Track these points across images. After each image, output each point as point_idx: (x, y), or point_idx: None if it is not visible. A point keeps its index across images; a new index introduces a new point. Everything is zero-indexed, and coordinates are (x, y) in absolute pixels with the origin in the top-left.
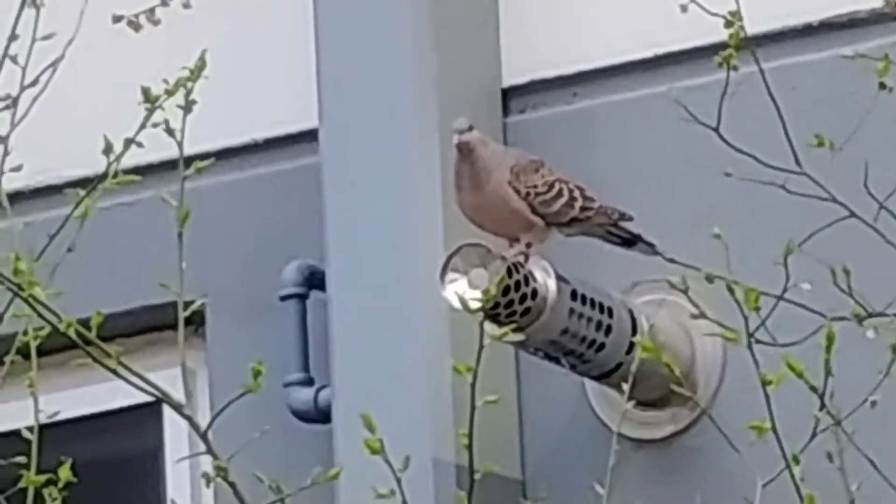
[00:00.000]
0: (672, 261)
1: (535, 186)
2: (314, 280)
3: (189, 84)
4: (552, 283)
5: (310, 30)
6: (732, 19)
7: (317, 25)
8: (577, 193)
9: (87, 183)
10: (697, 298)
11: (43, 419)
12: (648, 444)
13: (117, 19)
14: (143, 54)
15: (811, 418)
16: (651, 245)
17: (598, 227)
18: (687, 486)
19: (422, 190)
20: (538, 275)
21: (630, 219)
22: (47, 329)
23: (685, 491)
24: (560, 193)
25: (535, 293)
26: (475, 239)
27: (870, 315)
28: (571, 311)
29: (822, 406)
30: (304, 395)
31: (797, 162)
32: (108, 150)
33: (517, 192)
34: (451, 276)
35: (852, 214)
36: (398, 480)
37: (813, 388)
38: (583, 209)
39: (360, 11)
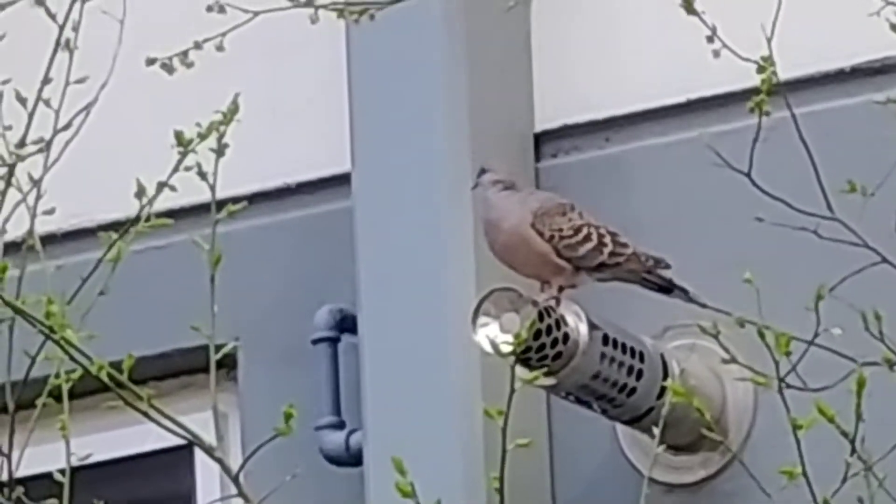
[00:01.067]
0: (704, 305)
1: (561, 230)
2: (346, 324)
3: (222, 128)
4: (584, 328)
5: (343, 74)
6: (765, 65)
7: (350, 70)
8: (607, 239)
9: (119, 226)
10: (728, 343)
11: (75, 462)
12: (679, 489)
13: (150, 62)
14: (176, 98)
15: (842, 463)
16: (686, 291)
17: (631, 273)
18: None
19: (453, 234)
20: (570, 319)
21: (667, 266)
22: (79, 372)
23: None
24: (588, 238)
25: (566, 337)
26: (507, 283)
27: None
28: (603, 355)
29: (853, 451)
30: (335, 439)
31: (829, 207)
32: (140, 193)
33: (541, 234)
34: (482, 320)
35: (884, 260)
36: None
37: (844, 433)
38: (612, 254)
39: (394, 56)
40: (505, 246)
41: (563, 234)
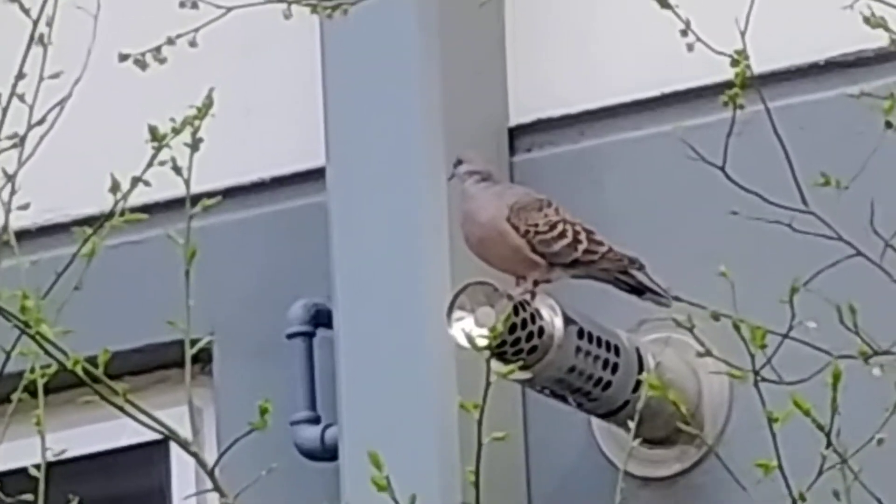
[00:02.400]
0: (678, 299)
1: (536, 225)
2: (321, 318)
3: (196, 122)
4: (559, 322)
5: (317, 69)
6: (739, 58)
7: (324, 64)
8: (582, 236)
9: (94, 221)
10: (703, 337)
11: (50, 457)
12: (655, 483)
13: (123, 58)
14: (151, 93)
15: (818, 456)
16: (659, 294)
17: (604, 271)
18: None
19: (428, 228)
20: (545, 313)
21: (641, 267)
22: (54, 367)
23: None
24: (563, 234)
25: (541, 331)
26: (482, 277)
27: (876, 353)
28: (578, 349)
29: (829, 444)
30: (310, 434)
31: (803, 200)
32: (115, 188)
33: (516, 228)
34: (457, 314)
35: (858, 253)
36: None
37: (819, 427)
38: (586, 252)
39: (367, 51)
40: (480, 239)
41: (539, 230)
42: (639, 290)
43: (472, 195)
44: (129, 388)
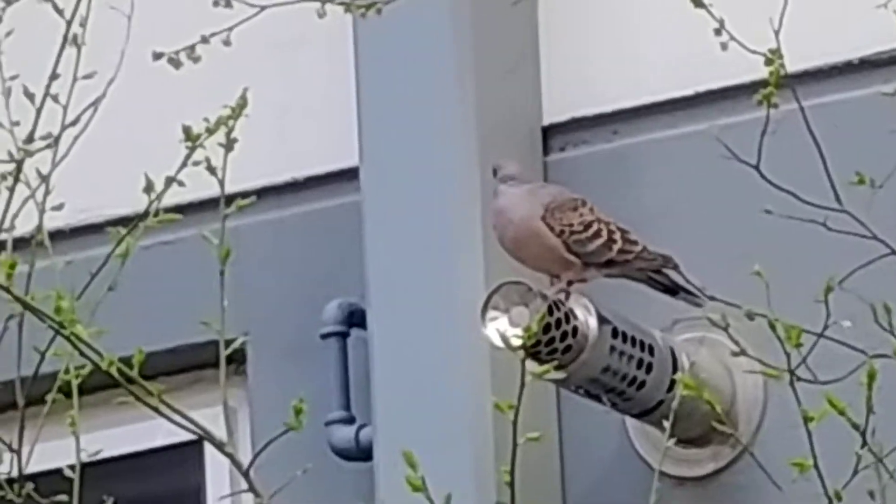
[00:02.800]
0: (713, 298)
1: (571, 225)
2: (355, 318)
3: (230, 122)
4: (593, 321)
5: (350, 68)
6: (772, 57)
7: (357, 64)
8: (616, 235)
9: (128, 221)
10: (738, 336)
11: (84, 458)
12: (689, 482)
13: (157, 56)
14: (185, 92)
15: (852, 456)
16: (694, 295)
17: (639, 271)
18: None
19: (462, 228)
20: (579, 313)
21: (674, 266)
22: (88, 367)
23: None
24: (598, 234)
25: (575, 331)
26: (516, 277)
27: None
28: (612, 348)
29: (864, 443)
30: (345, 434)
31: (838, 199)
32: (149, 188)
33: (551, 228)
34: (491, 313)
35: (893, 252)
36: None
37: (854, 426)
38: (621, 251)
39: (401, 50)
40: (515, 239)
41: (574, 230)
42: (673, 289)
43: (505, 194)
44: (164, 388)
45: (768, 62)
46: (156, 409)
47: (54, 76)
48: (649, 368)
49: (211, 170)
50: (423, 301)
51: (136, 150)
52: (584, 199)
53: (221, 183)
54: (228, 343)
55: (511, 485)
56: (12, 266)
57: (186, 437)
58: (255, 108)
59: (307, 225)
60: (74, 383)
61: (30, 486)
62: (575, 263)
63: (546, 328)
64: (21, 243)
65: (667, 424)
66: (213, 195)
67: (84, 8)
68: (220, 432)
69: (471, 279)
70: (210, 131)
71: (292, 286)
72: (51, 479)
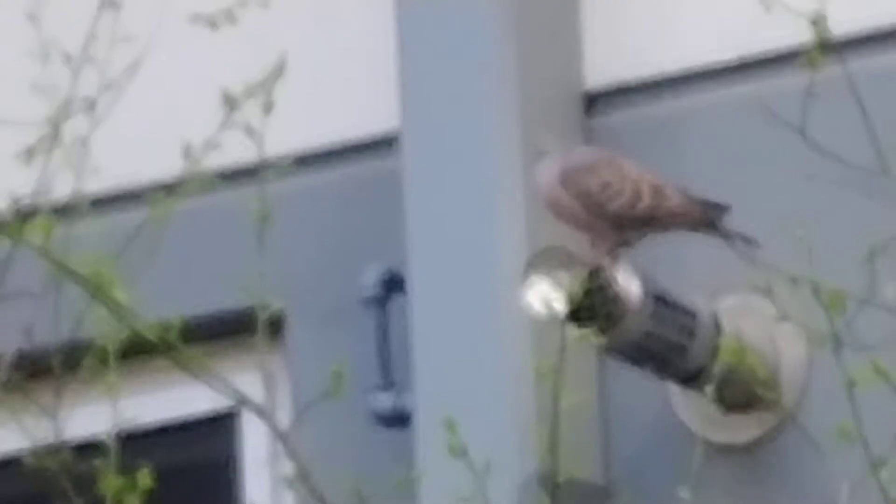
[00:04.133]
0: (757, 263)
1: (588, 187)
2: (394, 284)
3: (269, 85)
4: (635, 287)
5: (391, 32)
6: (817, 20)
7: (398, 28)
8: (645, 191)
9: (166, 186)
10: (782, 302)
11: (122, 425)
12: (733, 449)
13: (195, 18)
14: (223, 55)
15: None
16: (748, 240)
17: (680, 226)
18: (771, 490)
19: (503, 193)
20: (621, 278)
21: (722, 211)
22: (126, 332)
23: (770, 495)
24: (619, 193)
25: (617, 297)
26: (558, 242)
27: None
28: (654, 314)
29: None
30: (384, 400)
31: (883, 165)
32: (187, 152)
33: (569, 191)
34: (532, 279)
35: None
36: (481, 484)
37: None
38: (649, 208)
39: (443, 13)
40: (546, 205)
41: (591, 191)
42: (725, 236)
43: (540, 165)
44: (202, 354)
45: (813, 25)
46: (194, 374)
47: (92, 38)
48: (692, 334)
49: (250, 133)
50: (463, 267)
51: (175, 113)
52: (612, 158)
53: (260, 146)
54: (267, 308)
55: (553, 450)
56: (50, 229)
57: (224, 404)
58: (293, 71)
59: (346, 190)
60: (112, 349)
61: (67, 452)
62: (602, 226)
63: (587, 294)
64: (59, 208)
65: (709, 391)
66: (251, 160)
67: None
68: (258, 398)
69: (512, 245)
70: (249, 94)
71: (331, 252)
72: (88, 447)
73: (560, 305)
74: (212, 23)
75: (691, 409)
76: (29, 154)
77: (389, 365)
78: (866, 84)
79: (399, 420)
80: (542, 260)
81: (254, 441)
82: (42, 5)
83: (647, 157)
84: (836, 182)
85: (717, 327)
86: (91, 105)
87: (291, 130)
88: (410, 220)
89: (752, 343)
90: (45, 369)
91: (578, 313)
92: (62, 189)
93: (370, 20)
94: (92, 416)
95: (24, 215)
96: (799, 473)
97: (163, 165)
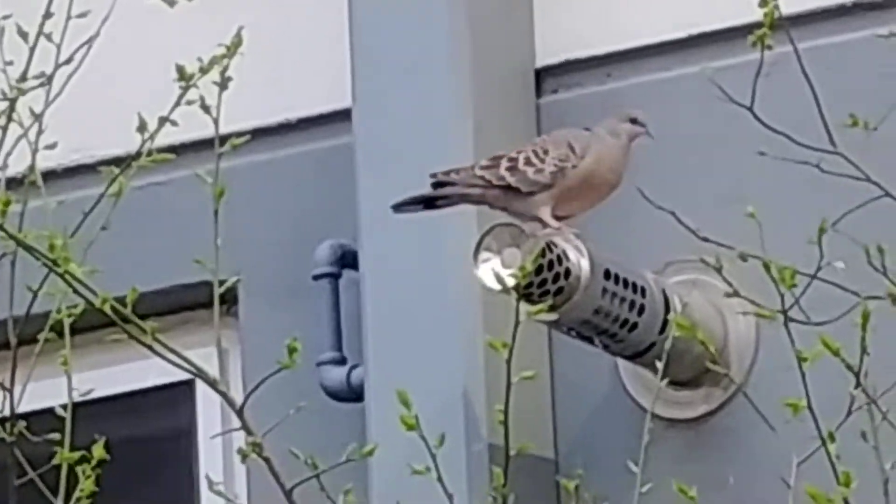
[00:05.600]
0: (706, 240)
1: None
2: (347, 259)
3: (224, 61)
4: (585, 263)
5: (344, 9)
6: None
7: (351, 5)
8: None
9: (121, 161)
10: (731, 278)
11: (77, 397)
12: (682, 424)
13: None
14: (178, 32)
15: (846, 397)
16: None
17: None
18: (720, 465)
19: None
20: (571, 254)
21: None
22: (81, 306)
23: (719, 470)
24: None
25: (567, 272)
26: (508, 219)
27: None
28: (604, 290)
29: (858, 384)
30: (336, 374)
31: (831, 141)
32: (142, 128)
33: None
34: (483, 255)
35: (886, 194)
36: (433, 457)
37: (849, 367)
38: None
39: None
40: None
41: (484, 165)
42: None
43: None
44: (157, 327)
45: (762, 4)
46: (150, 348)
47: (48, 15)
48: (641, 310)
49: (205, 108)
50: (414, 242)
51: (130, 89)
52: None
53: (216, 122)
54: (221, 283)
55: (505, 424)
56: (6, 204)
57: (178, 376)
58: (248, 49)
59: (299, 166)
60: (67, 322)
61: (22, 424)
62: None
63: (538, 269)
64: (14, 182)
65: (659, 366)
66: (205, 136)
67: None
68: (212, 372)
69: (463, 221)
70: (204, 70)
71: (284, 227)
72: (43, 419)
73: (511, 281)
74: (169, 1)
75: (640, 384)
76: None
77: (342, 340)
78: (815, 61)
79: (351, 394)
80: (494, 236)
81: (208, 412)
82: None
83: None
84: (786, 158)
85: (666, 303)
86: (47, 80)
87: (246, 106)
88: (362, 196)
89: (700, 319)
90: (0, 343)
91: (529, 289)
92: (17, 164)
93: None
94: (47, 388)
95: None
96: (748, 447)
97: (118, 141)
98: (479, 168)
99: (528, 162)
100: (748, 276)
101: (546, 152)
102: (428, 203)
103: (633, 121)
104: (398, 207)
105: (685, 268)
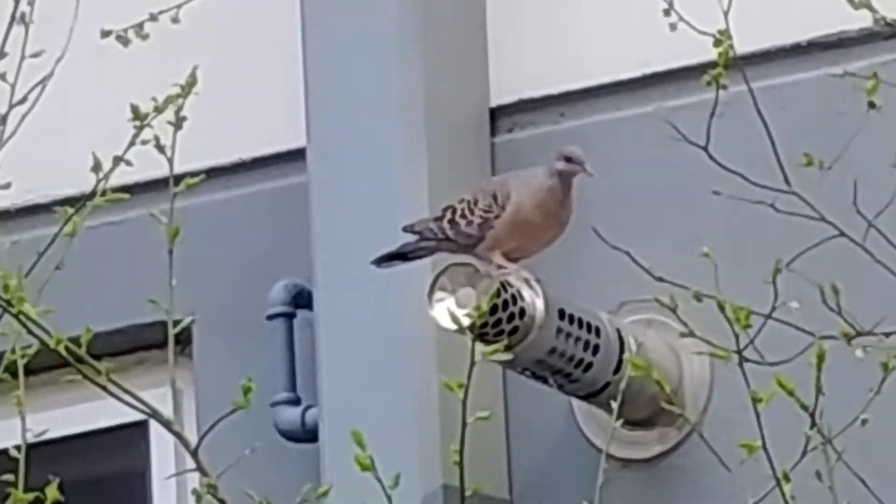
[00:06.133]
0: (660, 280)
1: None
2: (301, 299)
3: (179, 100)
4: (540, 303)
5: (299, 49)
6: (722, 38)
7: (305, 45)
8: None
9: (75, 201)
10: (686, 318)
11: (31, 438)
12: (636, 464)
13: (106, 34)
14: (133, 72)
15: (801, 437)
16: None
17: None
18: None
19: (409, 209)
20: (526, 294)
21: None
22: (36, 346)
23: None
24: (442, 217)
25: (522, 312)
26: (462, 258)
27: (859, 334)
28: (559, 330)
29: (813, 424)
30: (290, 415)
31: (786, 181)
32: (96, 167)
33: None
34: (438, 294)
35: (841, 233)
36: (388, 498)
37: (804, 407)
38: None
39: (349, 31)
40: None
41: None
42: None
43: None
44: (111, 367)
45: (717, 43)
46: (104, 388)
47: (2, 55)
48: (596, 350)
49: (160, 148)
50: (369, 282)
51: (84, 129)
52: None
53: (171, 161)
54: (176, 323)
55: (460, 464)
56: None
57: (132, 417)
58: (202, 88)
59: (254, 206)
60: (21, 363)
61: None
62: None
63: (493, 309)
64: None
65: (614, 405)
66: (159, 175)
67: None
68: (166, 412)
69: (417, 261)
70: (159, 110)
71: (239, 267)
72: None
73: (466, 320)
74: (124, 40)
75: (595, 424)
76: None
77: (296, 380)
78: (769, 101)
79: (305, 434)
80: (448, 276)
81: (162, 453)
82: None
83: None
84: (741, 198)
85: (621, 343)
86: (1, 120)
87: (200, 146)
88: (316, 236)
89: (655, 358)
90: None
91: (484, 329)
92: None
93: (278, 37)
94: (1, 429)
95: None
96: (703, 488)
97: (72, 181)
98: (431, 221)
99: (462, 214)
100: (703, 316)
101: (476, 203)
102: (403, 255)
103: (568, 159)
104: (378, 263)
105: (640, 308)
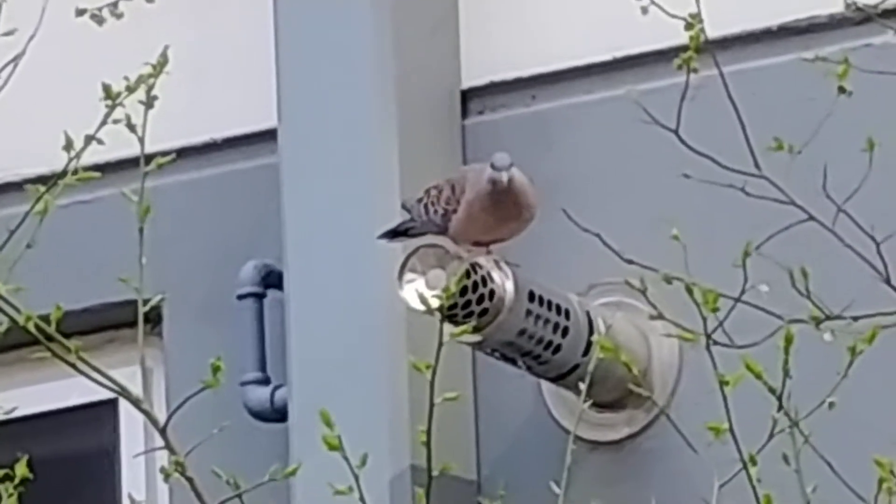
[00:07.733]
0: (630, 262)
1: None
2: (271, 279)
3: (151, 80)
4: (510, 285)
5: (270, 29)
6: (693, 22)
7: (277, 25)
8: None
9: (47, 180)
10: (655, 300)
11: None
12: (604, 446)
13: (80, 13)
14: (105, 51)
15: (768, 420)
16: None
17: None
18: (643, 487)
19: (380, 190)
20: (496, 276)
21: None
22: (6, 324)
23: (641, 492)
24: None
25: (492, 294)
26: (433, 240)
27: (827, 318)
28: (528, 312)
29: (780, 407)
30: (260, 394)
31: (756, 165)
32: (68, 146)
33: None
34: (408, 276)
35: (811, 217)
36: (356, 477)
37: (771, 390)
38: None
39: (320, 12)
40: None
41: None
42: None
43: None
44: (81, 345)
45: (688, 27)
46: (73, 366)
47: None
48: (565, 332)
49: (131, 127)
50: (339, 263)
51: (57, 108)
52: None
53: (142, 141)
54: (146, 302)
55: (428, 445)
56: None
57: (102, 395)
58: (174, 68)
59: (224, 186)
60: None
61: None
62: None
63: (463, 291)
64: None
65: (583, 387)
66: (131, 155)
67: None
68: (136, 390)
69: (387, 242)
70: (130, 89)
71: (209, 247)
72: None
73: (436, 302)
74: (98, 19)
75: (564, 406)
76: None
77: (266, 360)
78: (740, 85)
79: (274, 414)
80: (418, 257)
81: (131, 432)
82: None
83: (522, 155)
84: (711, 181)
85: (590, 325)
86: None
87: (172, 125)
88: (287, 216)
89: (624, 341)
90: None
91: (454, 310)
92: None
93: (249, 17)
94: None
95: None
96: (670, 470)
97: (44, 159)
98: (415, 201)
99: (432, 202)
100: (673, 298)
101: (441, 192)
102: (404, 232)
103: (492, 166)
104: (384, 239)
105: (609, 290)
